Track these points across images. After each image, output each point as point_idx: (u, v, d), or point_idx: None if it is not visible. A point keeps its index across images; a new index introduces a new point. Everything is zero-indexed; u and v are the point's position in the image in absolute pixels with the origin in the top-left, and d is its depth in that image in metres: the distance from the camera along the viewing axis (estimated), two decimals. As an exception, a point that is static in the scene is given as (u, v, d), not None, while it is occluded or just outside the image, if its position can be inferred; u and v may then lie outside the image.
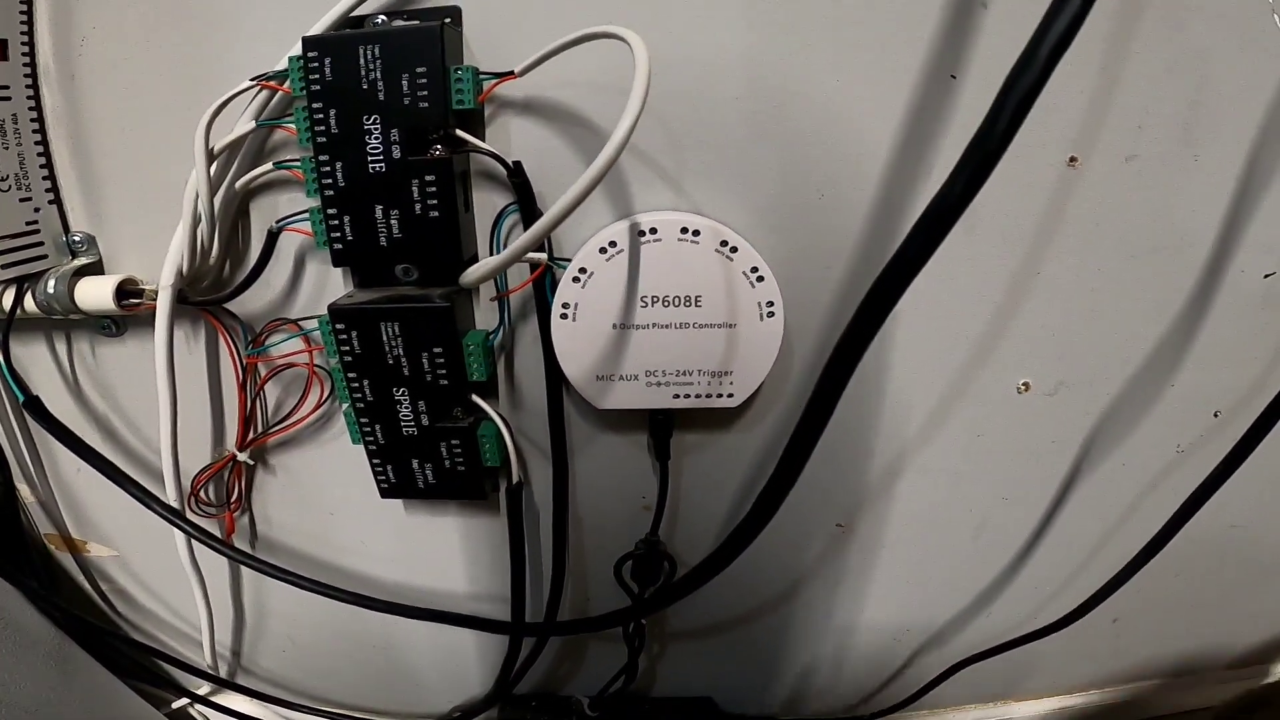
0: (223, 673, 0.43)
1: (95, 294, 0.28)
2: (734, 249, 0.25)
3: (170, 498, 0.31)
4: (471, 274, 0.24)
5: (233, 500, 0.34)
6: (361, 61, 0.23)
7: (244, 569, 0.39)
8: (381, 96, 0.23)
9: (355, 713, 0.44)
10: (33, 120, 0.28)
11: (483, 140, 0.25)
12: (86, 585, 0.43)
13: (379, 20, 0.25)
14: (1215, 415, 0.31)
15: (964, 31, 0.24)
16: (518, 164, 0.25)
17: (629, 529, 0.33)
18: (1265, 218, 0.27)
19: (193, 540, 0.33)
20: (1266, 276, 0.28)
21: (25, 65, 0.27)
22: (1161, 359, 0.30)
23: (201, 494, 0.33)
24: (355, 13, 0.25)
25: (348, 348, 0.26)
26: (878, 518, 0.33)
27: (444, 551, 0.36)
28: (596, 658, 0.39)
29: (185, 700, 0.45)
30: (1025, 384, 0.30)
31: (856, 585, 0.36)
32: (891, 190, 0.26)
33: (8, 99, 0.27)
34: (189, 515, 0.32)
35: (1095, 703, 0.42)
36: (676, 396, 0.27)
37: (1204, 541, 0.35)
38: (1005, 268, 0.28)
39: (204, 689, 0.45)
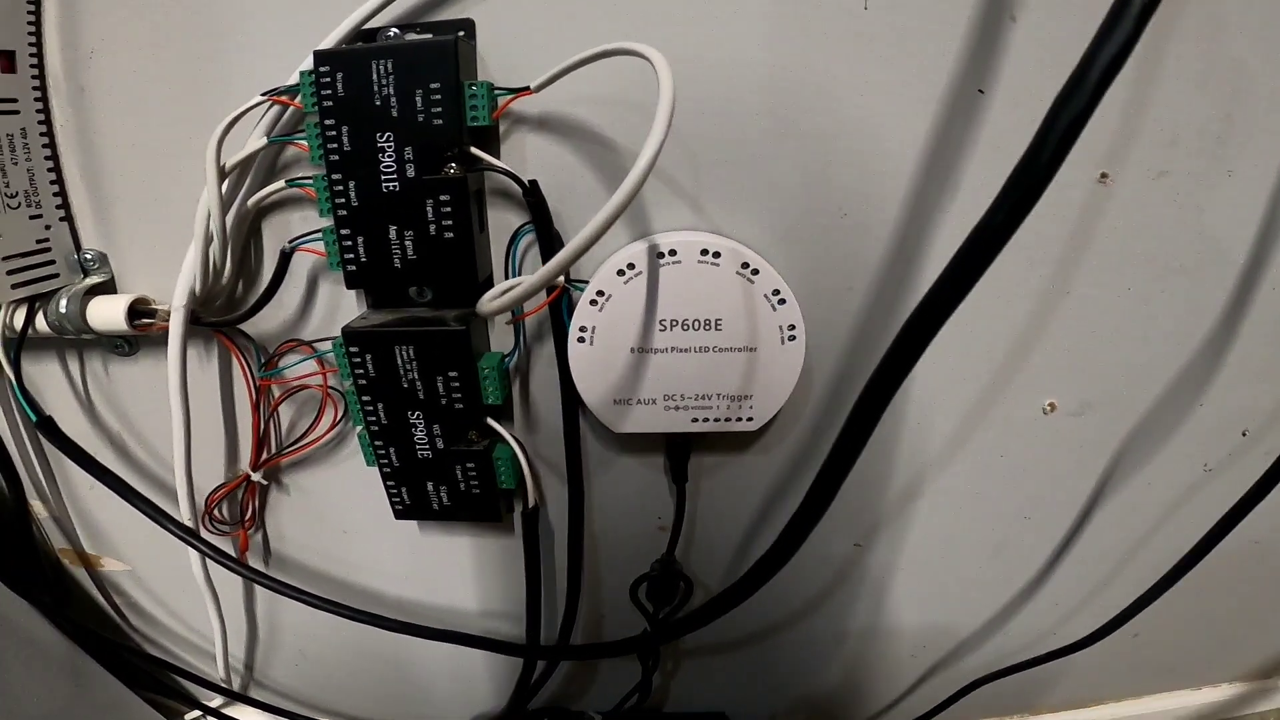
0: (235, 685, 0.43)
1: (107, 314, 0.27)
2: (755, 271, 0.24)
3: (184, 516, 0.31)
4: (488, 304, 0.23)
5: (246, 518, 0.34)
6: (374, 76, 0.23)
7: (256, 587, 0.39)
8: (395, 113, 0.23)
9: (369, 726, 0.44)
10: (42, 135, 0.28)
11: (497, 158, 0.25)
12: (100, 599, 0.43)
13: (391, 34, 0.24)
14: (1244, 434, 0.30)
15: (991, 45, 0.24)
16: (533, 183, 0.25)
17: (645, 550, 0.33)
18: None
19: (207, 558, 0.33)
20: None
21: (34, 78, 0.27)
22: (1190, 378, 0.29)
23: (215, 512, 0.33)
24: (368, 25, 0.24)
25: (362, 370, 0.26)
26: (896, 537, 0.33)
27: (457, 571, 0.35)
28: (610, 674, 0.39)
29: (197, 713, 0.45)
30: (1051, 404, 0.29)
31: (873, 603, 0.35)
32: (917, 210, 0.26)
33: (16, 112, 0.27)
34: (203, 533, 0.32)
35: (1116, 715, 0.42)
36: (695, 420, 0.27)
37: (1226, 556, 0.35)
38: (1032, 287, 0.27)
39: (216, 701, 0.45)
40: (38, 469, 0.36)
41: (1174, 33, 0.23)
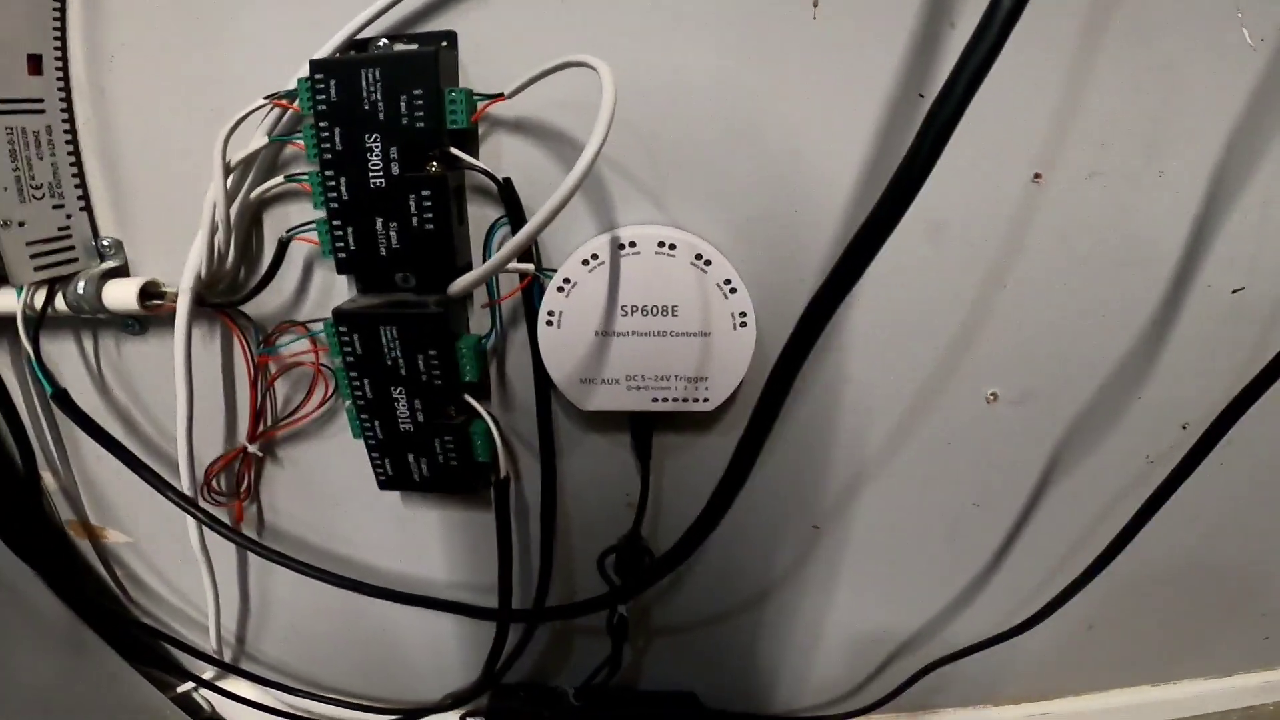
0: (227, 658, 0.45)
1: (121, 295, 0.30)
2: (709, 262, 0.27)
3: (184, 486, 0.34)
4: (457, 285, 0.26)
5: (242, 490, 0.36)
6: (363, 83, 0.25)
7: (251, 557, 0.41)
8: (382, 116, 0.25)
9: (353, 699, 0.45)
10: (65, 132, 0.30)
11: (476, 157, 0.27)
12: (102, 571, 0.45)
13: (381, 43, 0.27)
14: (1184, 427, 0.32)
15: (932, 50, 0.25)
16: (508, 180, 0.27)
17: (613, 525, 0.35)
18: (1232, 233, 0.28)
19: (204, 527, 0.35)
20: (1235, 291, 0.29)
21: (59, 79, 0.30)
22: (1128, 372, 0.31)
23: (213, 483, 0.35)
24: (360, 36, 0.26)
25: (350, 349, 0.28)
26: (851, 520, 0.35)
27: (438, 543, 0.38)
28: (583, 651, 0.41)
29: (190, 685, 0.47)
30: (993, 394, 0.31)
31: (834, 586, 0.37)
32: (861, 206, 0.28)
33: (42, 111, 0.29)
34: (201, 503, 0.35)
35: (1076, 710, 0.43)
36: (655, 400, 0.29)
37: (1178, 552, 0.36)
38: (972, 280, 0.29)
39: (209, 674, 0.47)
40: (49, 441, 0.39)
41: (1107, 35, 0.25)
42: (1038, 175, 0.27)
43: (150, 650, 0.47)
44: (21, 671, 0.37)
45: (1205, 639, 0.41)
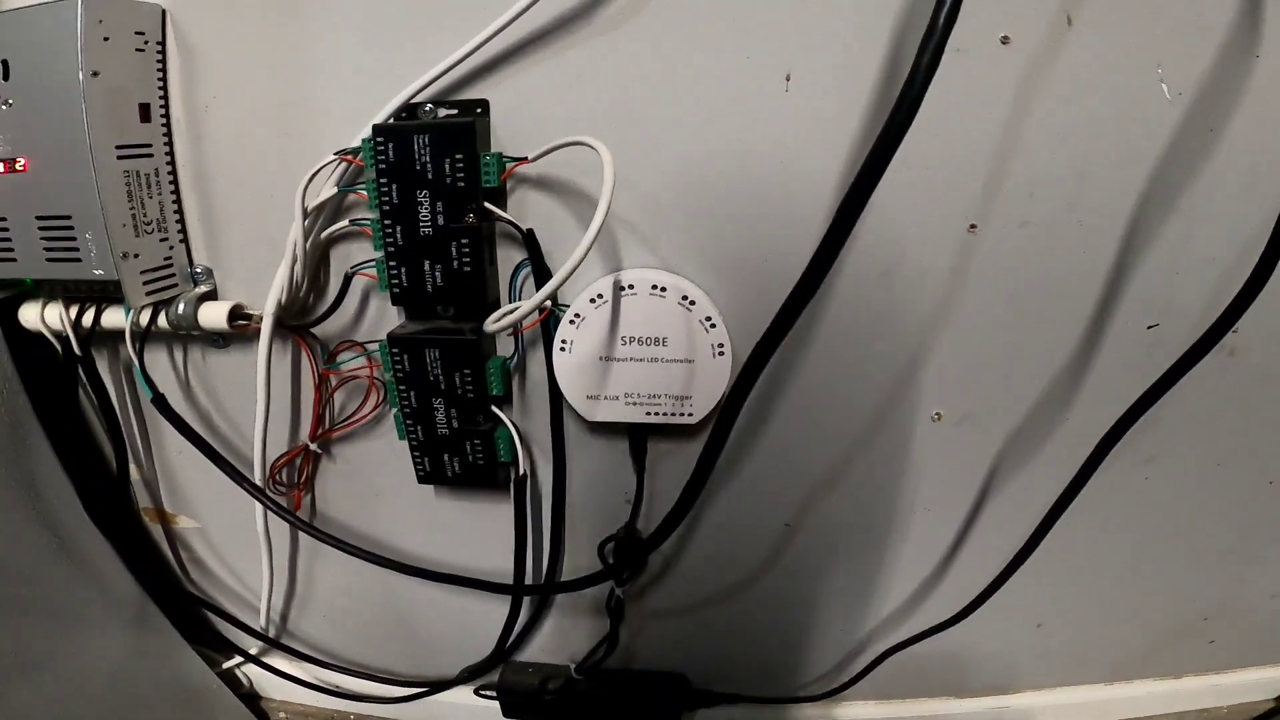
0: (271, 635, 0.51)
1: (213, 316, 0.36)
2: (693, 302, 0.32)
3: (256, 478, 0.40)
4: (491, 325, 0.32)
5: (301, 481, 0.42)
6: (415, 147, 0.31)
7: (301, 542, 0.48)
8: (430, 175, 0.31)
9: (378, 673, 0.51)
10: (169, 174, 0.36)
11: (505, 210, 0.33)
12: (169, 554, 0.51)
13: (428, 108, 0.33)
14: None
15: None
16: (530, 230, 0.33)
17: (613, 518, 0.40)
18: (1146, 276, 0.32)
19: (269, 512, 0.42)
20: (1150, 328, 0.34)
21: (163, 127, 0.35)
22: (1056, 397, 0.36)
23: (277, 476, 0.41)
24: (412, 101, 0.32)
25: (400, 366, 0.35)
26: (819, 520, 0.40)
27: (463, 531, 0.43)
28: (584, 633, 0.46)
29: (237, 660, 0.53)
30: (938, 414, 0.36)
31: (803, 579, 0.42)
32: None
33: (151, 155, 0.35)
34: (268, 492, 0.41)
35: (1032, 704, 0.47)
36: (649, 414, 0.35)
37: (1115, 558, 0.41)
38: (918, 317, 0.34)
39: (254, 649, 0.53)
40: (137, 437, 0.46)
41: (1037, 95, 0.29)
42: (973, 225, 0.32)
43: (204, 627, 0.53)
44: (94, 644, 0.43)
45: (1153, 642, 0.44)
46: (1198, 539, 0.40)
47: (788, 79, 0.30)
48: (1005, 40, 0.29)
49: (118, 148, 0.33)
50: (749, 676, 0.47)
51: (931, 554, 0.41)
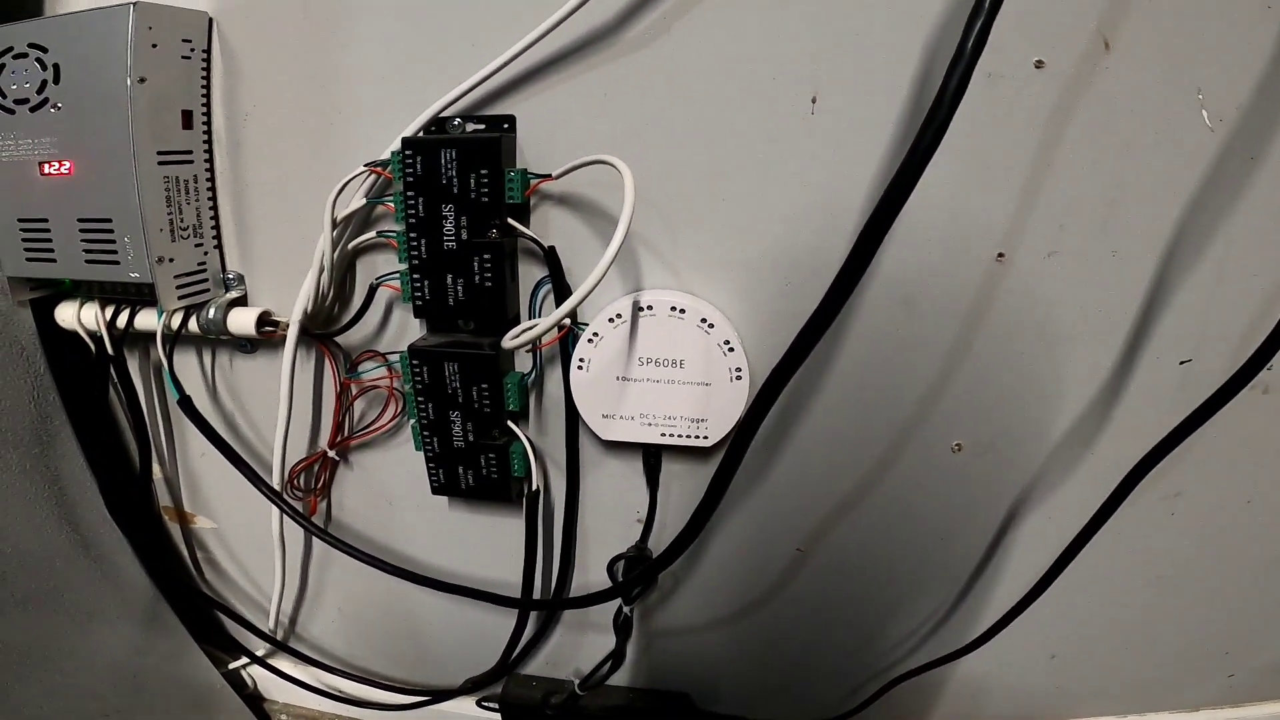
0: (279, 637, 0.51)
1: (242, 321, 0.37)
2: (712, 325, 0.32)
3: (275, 481, 0.41)
4: (510, 341, 0.32)
5: (318, 487, 0.43)
6: (442, 161, 0.31)
7: (314, 547, 0.48)
8: (455, 190, 0.31)
9: (381, 680, 0.51)
10: (207, 181, 0.37)
11: (527, 226, 0.33)
12: (185, 553, 0.52)
13: (456, 122, 0.33)
14: (1136, 483, 0.36)
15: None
16: (552, 248, 0.34)
17: (624, 537, 0.40)
18: (1179, 309, 0.31)
19: (285, 516, 0.42)
20: (1182, 363, 0.33)
21: (204, 134, 0.36)
22: (1082, 430, 0.35)
23: (295, 481, 0.42)
24: (441, 115, 0.33)
25: (419, 377, 0.35)
26: (831, 547, 0.39)
27: (473, 544, 0.44)
28: (590, 649, 0.46)
29: (244, 661, 0.54)
30: (958, 445, 0.36)
31: (816, 605, 0.41)
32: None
33: (191, 162, 0.35)
34: (285, 497, 0.41)
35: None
36: (663, 435, 0.35)
37: (1136, 593, 0.39)
38: (940, 346, 0.34)
39: (261, 650, 0.53)
40: (162, 438, 0.47)
41: (1071, 120, 0.28)
42: (1001, 255, 0.31)
43: (214, 627, 0.53)
44: (103, 640, 0.44)
45: (1169, 674, 0.43)
46: (1222, 575, 0.39)
47: (814, 101, 0.30)
48: (1039, 65, 0.28)
49: (159, 153, 0.34)
50: (753, 699, 0.47)
51: (946, 584, 0.40)
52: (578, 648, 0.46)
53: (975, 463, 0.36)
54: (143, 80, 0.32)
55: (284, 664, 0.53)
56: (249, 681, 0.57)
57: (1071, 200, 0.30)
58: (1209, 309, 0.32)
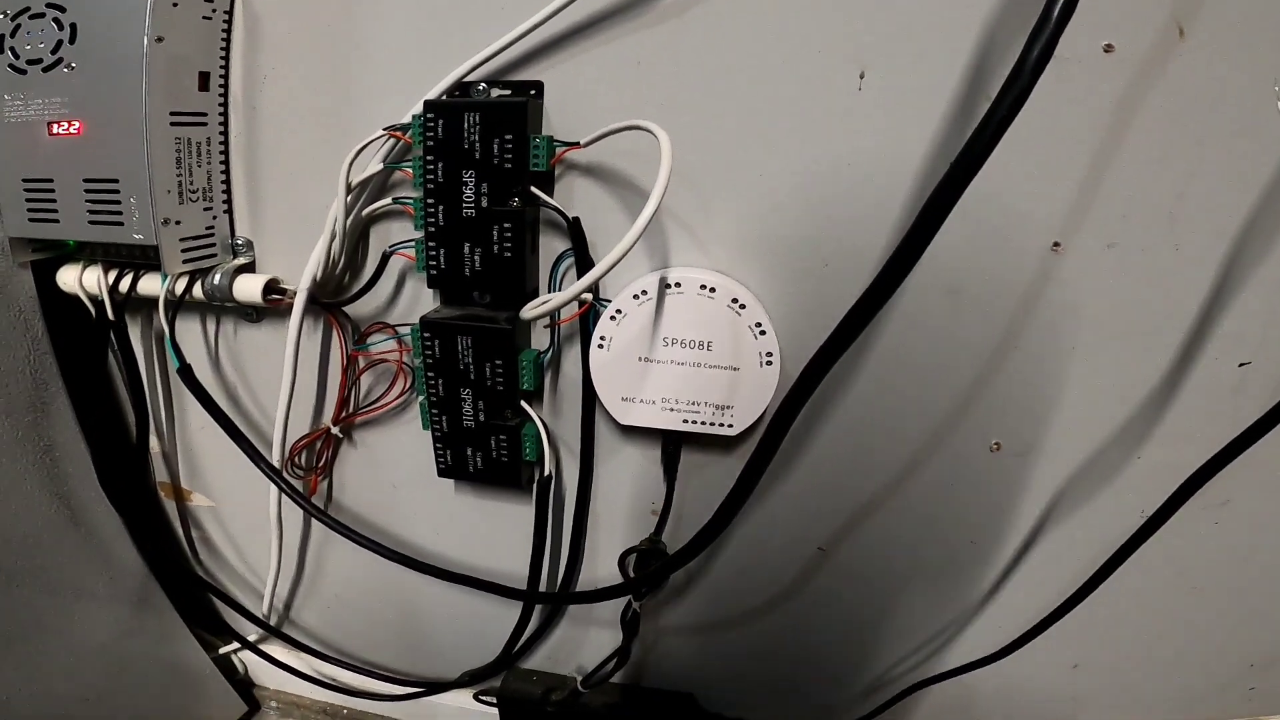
0: (273, 622, 0.50)
1: (248, 288, 0.36)
2: (743, 306, 0.31)
3: (274, 458, 0.39)
4: (528, 312, 0.30)
5: (319, 466, 0.41)
6: (465, 125, 0.30)
7: (313, 529, 0.46)
8: (477, 155, 0.30)
9: (376, 670, 0.49)
10: (220, 144, 0.35)
11: (551, 196, 0.32)
12: (179, 531, 0.51)
13: (481, 87, 0.32)
14: (1181, 490, 0.34)
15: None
16: (576, 219, 0.32)
17: (637, 529, 0.38)
18: (1242, 308, 0.30)
19: (283, 496, 0.40)
20: (1241, 365, 0.31)
21: (220, 96, 0.35)
22: (1130, 433, 0.33)
23: (296, 459, 0.40)
24: (465, 80, 0.31)
25: (430, 351, 0.33)
26: (855, 546, 0.37)
27: (479, 531, 0.42)
28: (595, 645, 0.44)
29: (235, 646, 0.52)
30: (997, 444, 0.34)
31: (834, 607, 0.40)
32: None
33: (205, 124, 0.34)
34: (285, 475, 0.40)
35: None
36: (686, 421, 0.33)
37: (1166, 602, 0.37)
38: (985, 339, 0.32)
39: (253, 635, 0.51)
40: (161, 410, 0.45)
41: (1141, 109, 0.27)
42: (1057, 244, 0.30)
43: (206, 610, 0.52)
44: (91, 621, 0.42)
45: (1190, 686, 0.41)
46: (1260, 588, 0.37)
47: (861, 77, 0.29)
48: (1109, 49, 0.27)
49: (172, 114, 0.33)
50: (760, 703, 0.45)
51: (972, 589, 0.38)
52: (581, 643, 0.45)
53: (1014, 464, 0.34)
54: (160, 40, 0.31)
55: (277, 650, 0.51)
56: (240, 667, 0.56)
57: (1137, 191, 0.28)
58: (1273, 309, 0.30)
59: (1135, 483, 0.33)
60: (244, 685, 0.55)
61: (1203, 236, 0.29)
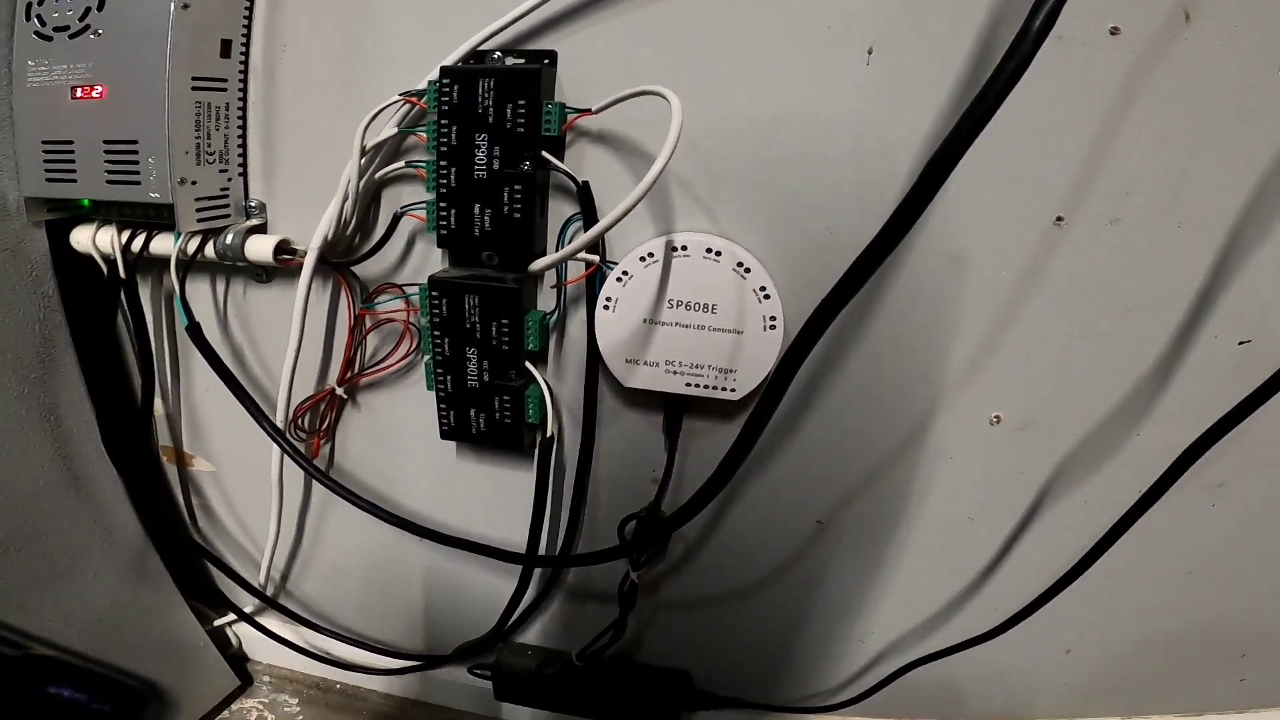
0: (269, 593, 0.50)
1: (260, 249, 0.36)
2: (748, 269, 0.31)
3: (279, 419, 0.39)
4: (538, 263, 0.31)
5: (322, 428, 0.41)
6: (480, 90, 0.30)
7: (313, 497, 0.47)
8: (491, 120, 0.31)
9: (372, 643, 0.49)
10: (239, 109, 0.36)
11: (562, 161, 0.32)
12: (179, 498, 0.51)
13: (495, 56, 0.32)
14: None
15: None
16: (586, 183, 0.32)
17: (637, 496, 0.38)
18: (1243, 287, 0.30)
19: (285, 458, 0.41)
20: (1241, 344, 0.31)
21: (241, 63, 0.36)
22: (1129, 410, 0.33)
23: (299, 421, 0.41)
24: (480, 48, 0.32)
25: (437, 310, 0.34)
26: (853, 520, 0.37)
27: (480, 500, 0.42)
28: (590, 619, 0.44)
29: (230, 617, 0.52)
30: (997, 417, 0.34)
31: (832, 582, 0.40)
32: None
33: (224, 90, 0.35)
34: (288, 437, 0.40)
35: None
36: (689, 384, 0.33)
37: (1161, 587, 0.37)
38: (987, 310, 0.32)
39: (249, 607, 0.51)
40: (167, 372, 0.45)
41: (1146, 89, 0.27)
42: (1060, 218, 0.30)
43: (201, 579, 0.51)
44: (86, 590, 0.42)
45: (1181, 676, 0.41)
46: (1254, 574, 0.37)
47: (869, 52, 0.29)
48: (1114, 31, 0.27)
49: (194, 79, 0.34)
50: (755, 681, 0.45)
51: (969, 566, 0.38)
52: (577, 617, 0.45)
53: (1013, 437, 0.34)
54: (186, 7, 0.32)
55: (272, 623, 0.51)
56: (234, 640, 0.56)
57: (1141, 168, 0.29)
58: (1274, 288, 0.30)
59: (1134, 460, 0.34)
60: (237, 659, 0.55)
61: (1205, 215, 0.29)
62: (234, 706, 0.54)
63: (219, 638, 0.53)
